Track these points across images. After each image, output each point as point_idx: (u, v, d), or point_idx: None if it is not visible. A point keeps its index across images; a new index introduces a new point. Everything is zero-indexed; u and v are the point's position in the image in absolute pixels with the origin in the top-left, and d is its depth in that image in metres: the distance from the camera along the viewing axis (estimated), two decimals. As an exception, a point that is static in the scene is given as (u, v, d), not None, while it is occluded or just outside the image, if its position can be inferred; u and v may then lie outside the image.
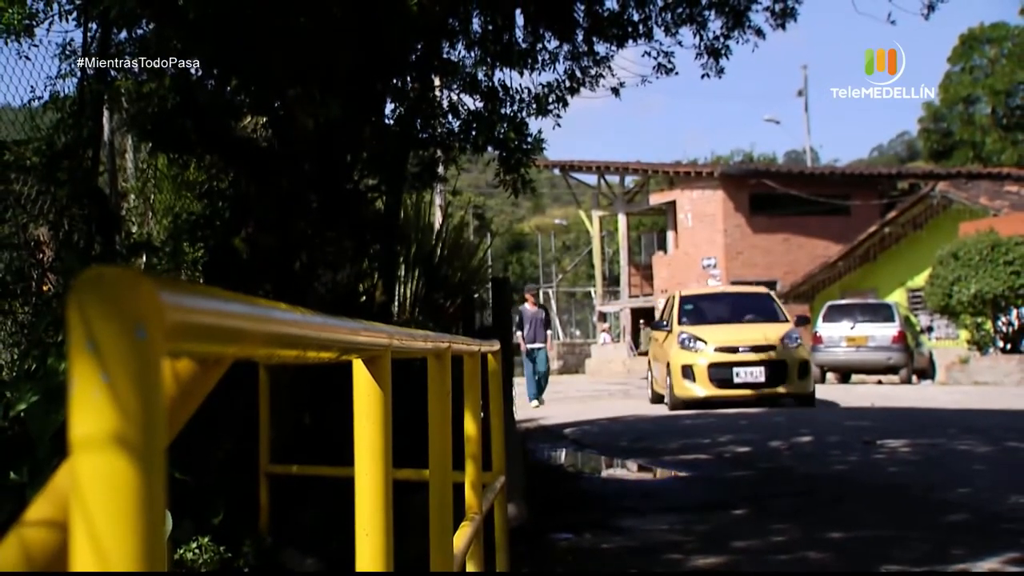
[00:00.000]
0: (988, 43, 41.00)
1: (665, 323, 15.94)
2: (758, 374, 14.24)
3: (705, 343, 14.50)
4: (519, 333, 16.71)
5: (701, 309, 15.99)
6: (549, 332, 18.02)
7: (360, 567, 1.45)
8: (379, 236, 6.82)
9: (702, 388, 14.29)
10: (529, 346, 17.04)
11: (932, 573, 4.67)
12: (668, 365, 14.75)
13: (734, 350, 14.39)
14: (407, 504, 3.24)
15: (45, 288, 5.45)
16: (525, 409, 13.67)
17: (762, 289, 17.83)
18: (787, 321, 15.48)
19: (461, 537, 2.66)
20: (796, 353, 14.62)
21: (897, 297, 26.86)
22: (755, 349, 14.37)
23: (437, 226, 9.86)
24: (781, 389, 14.35)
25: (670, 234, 31.68)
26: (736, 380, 14.25)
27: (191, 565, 4.25)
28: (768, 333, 14.75)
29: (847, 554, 5.15)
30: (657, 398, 16.27)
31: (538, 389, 17.04)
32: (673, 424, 12.88)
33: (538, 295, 19.26)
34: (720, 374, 14.26)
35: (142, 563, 0.56)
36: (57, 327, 4.31)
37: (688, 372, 14.36)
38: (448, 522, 2.30)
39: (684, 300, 16.45)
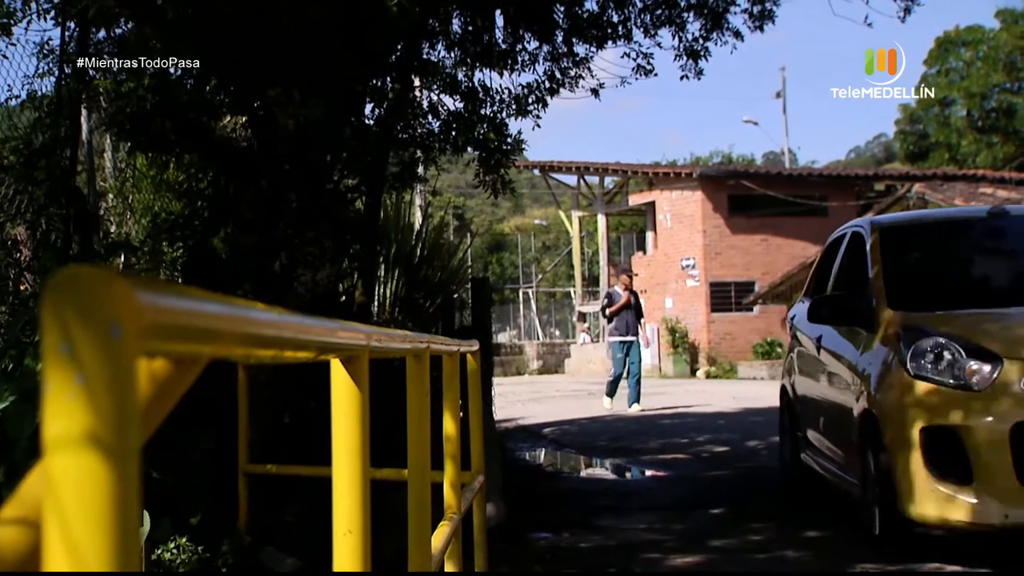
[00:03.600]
0: (963, 46, 41.26)
1: (838, 306, 5.81)
2: None
3: (996, 360, 4.66)
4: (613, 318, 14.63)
5: (948, 267, 6.12)
6: (642, 322, 15.17)
7: (338, 567, 1.45)
8: (359, 236, 6.81)
9: (1001, 501, 4.48)
10: (621, 339, 14.50)
11: (907, 571, 4.71)
12: (865, 418, 5.15)
13: None
14: (386, 503, 3.24)
15: (22, 287, 5.43)
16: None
17: None
18: None
19: (440, 536, 2.67)
20: None
21: (875, 297, 26.94)
22: None
23: (417, 226, 9.85)
24: None
25: (649, 235, 31.73)
26: None
27: (169, 565, 4.23)
28: None
29: (824, 553, 5.18)
30: (801, 475, 6.76)
31: (637, 390, 14.41)
32: (651, 424, 12.90)
33: (631, 278, 15.33)
34: None
35: (116, 563, 0.56)
36: (34, 327, 4.28)
37: (944, 450, 4.62)
38: (427, 521, 2.30)
39: (891, 239, 5.89)
